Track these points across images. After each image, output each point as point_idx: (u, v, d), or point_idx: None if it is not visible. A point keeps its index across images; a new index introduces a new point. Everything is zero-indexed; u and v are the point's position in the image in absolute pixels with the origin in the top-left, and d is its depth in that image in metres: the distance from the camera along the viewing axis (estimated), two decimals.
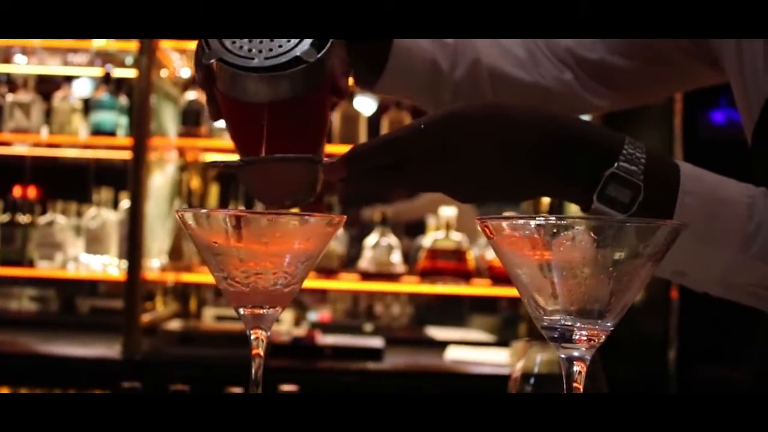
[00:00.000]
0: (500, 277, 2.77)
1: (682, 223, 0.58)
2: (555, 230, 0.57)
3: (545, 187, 0.79)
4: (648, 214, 0.73)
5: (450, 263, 2.72)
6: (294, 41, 0.79)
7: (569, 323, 0.59)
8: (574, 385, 0.60)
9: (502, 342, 2.90)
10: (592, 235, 0.56)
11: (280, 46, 0.79)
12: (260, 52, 0.79)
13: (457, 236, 2.78)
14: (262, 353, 0.69)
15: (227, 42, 0.79)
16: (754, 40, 0.97)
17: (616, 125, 1.20)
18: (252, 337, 0.68)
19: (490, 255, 2.84)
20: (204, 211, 0.67)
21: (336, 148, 2.52)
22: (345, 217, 0.70)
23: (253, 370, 0.68)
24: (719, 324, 2.42)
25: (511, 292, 2.85)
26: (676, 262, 0.77)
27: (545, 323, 0.60)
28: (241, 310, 0.68)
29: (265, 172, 0.77)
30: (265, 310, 0.68)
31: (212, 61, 0.79)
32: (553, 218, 0.57)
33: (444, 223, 2.79)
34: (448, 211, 2.81)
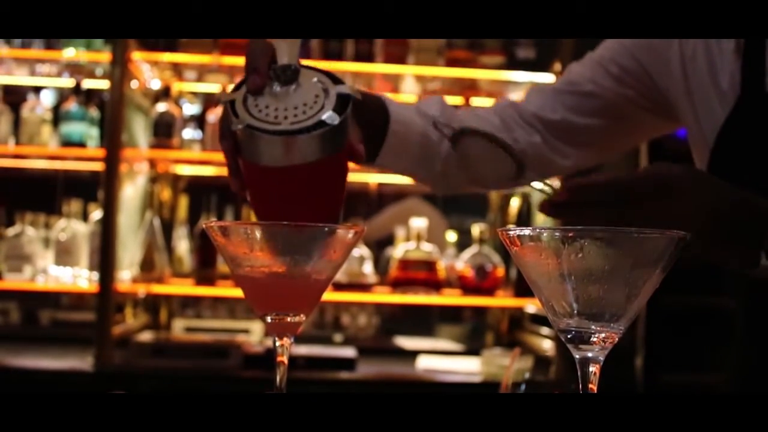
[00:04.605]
0: (470, 287, 2.81)
1: (688, 234, 0.63)
2: (575, 241, 0.60)
3: (719, 247, 0.86)
4: None
5: (421, 273, 2.75)
6: (317, 107, 0.82)
7: (586, 326, 0.63)
8: (590, 386, 0.64)
9: (471, 351, 2.94)
10: (610, 245, 0.60)
11: (304, 112, 0.82)
12: (285, 118, 0.81)
13: (427, 247, 2.82)
14: (286, 361, 0.71)
15: (254, 110, 0.82)
16: (704, 85, 1.05)
17: None
18: (277, 344, 0.71)
19: (460, 265, 2.88)
20: (232, 223, 0.70)
21: None
22: (365, 228, 0.73)
23: (278, 378, 0.71)
24: (685, 332, 2.49)
25: (481, 301, 2.90)
26: None
27: (562, 326, 0.64)
28: (268, 318, 0.70)
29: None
30: (290, 318, 0.70)
31: (240, 127, 0.81)
32: (573, 230, 0.60)
33: (414, 234, 2.83)
34: (419, 222, 2.85)
